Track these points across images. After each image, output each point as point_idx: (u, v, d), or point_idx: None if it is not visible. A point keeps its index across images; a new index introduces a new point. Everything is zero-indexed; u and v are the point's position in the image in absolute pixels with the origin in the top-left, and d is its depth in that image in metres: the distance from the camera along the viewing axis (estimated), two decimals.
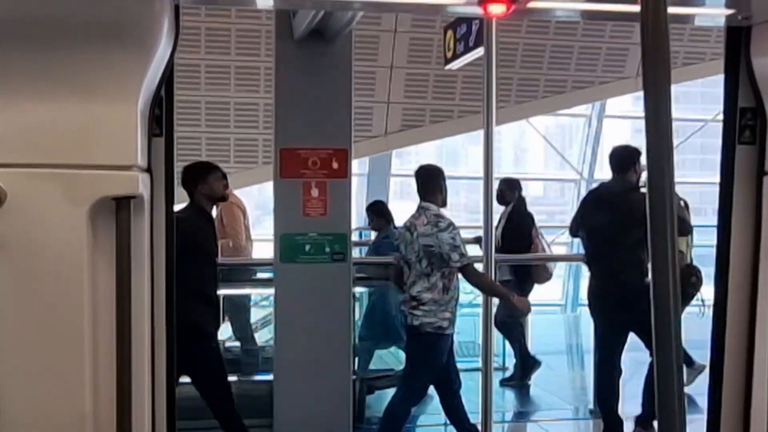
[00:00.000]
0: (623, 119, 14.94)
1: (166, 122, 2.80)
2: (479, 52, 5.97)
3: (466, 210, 17.83)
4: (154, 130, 2.72)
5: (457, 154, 17.73)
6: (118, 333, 2.53)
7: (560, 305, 12.75)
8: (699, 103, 17.60)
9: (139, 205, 2.58)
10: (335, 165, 5.84)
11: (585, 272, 9.00)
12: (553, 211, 18.39)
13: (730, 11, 2.84)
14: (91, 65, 2.49)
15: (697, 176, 14.95)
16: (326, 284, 5.92)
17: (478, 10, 2.67)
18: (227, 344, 8.03)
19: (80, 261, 2.51)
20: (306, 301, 5.91)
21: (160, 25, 2.55)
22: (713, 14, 2.99)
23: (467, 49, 6.23)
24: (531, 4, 2.73)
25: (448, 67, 6.65)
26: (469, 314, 9.09)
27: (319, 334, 5.90)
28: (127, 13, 2.50)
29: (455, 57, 6.41)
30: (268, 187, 6.72)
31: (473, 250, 6.45)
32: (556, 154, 15.09)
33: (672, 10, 2.76)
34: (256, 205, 18.74)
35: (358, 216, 12.55)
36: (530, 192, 19.66)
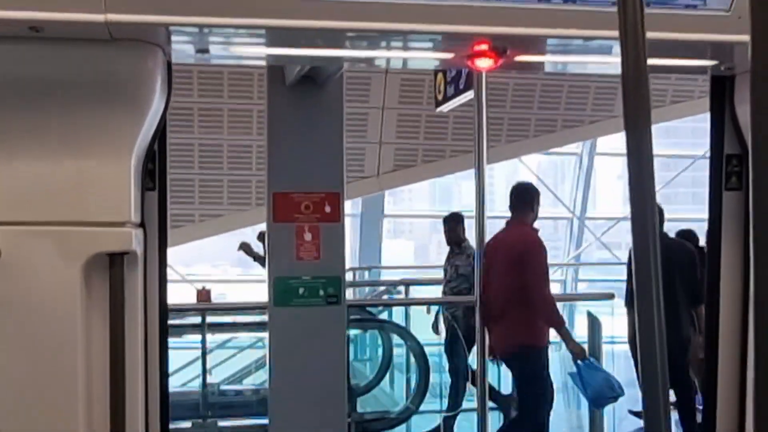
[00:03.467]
0: (614, 156, 15.04)
1: (160, 176, 2.83)
2: (469, 95, 6.03)
3: None
4: (148, 184, 2.75)
5: (450, 191, 17.79)
6: (112, 388, 2.54)
7: (555, 342, 12.72)
8: (689, 137, 17.71)
9: (133, 260, 2.60)
10: (328, 209, 5.86)
11: (580, 310, 9.02)
12: (546, 246, 18.40)
13: (714, 62, 2.90)
14: (84, 123, 2.52)
15: (689, 209, 15.02)
16: (320, 327, 5.91)
17: (466, 65, 2.72)
18: (222, 387, 8.02)
19: (74, 317, 2.52)
20: (300, 345, 5.91)
21: (154, 82, 2.59)
22: (697, 65, 3.04)
23: (457, 92, 6.28)
24: (518, 58, 2.78)
25: (439, 109, 6.71)
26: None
27: (314, 377, 5.88)
28: (121, 70, 2.54)
29: (446, 100, 6.46)
30: (262, 227, 6.75)
31: None
32: (548, 191, 15.17)
33: (657, 61, 2.83)
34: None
35: (351, 257, 12.58)
36: None
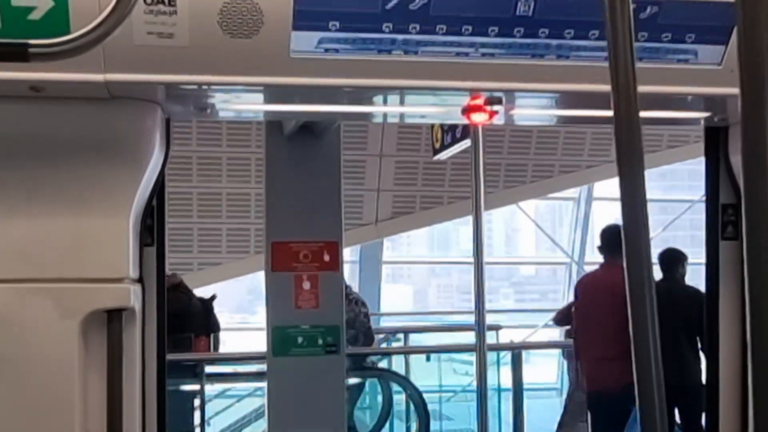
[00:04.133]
0: (611, 201, 15.08)
1: (158, 231, 2.84)
2: (466, 143, 6.07)
3: (458, 291, 17.82)
4: (146, 239, 2.76)
5: (449, 236, 17.79)
6: None
7: (555, 388, 12.64)
8: (686, 180, 17.76)
9: (131, 316, 2.60)
10: (326, 257, 5.87)
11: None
12: (546, 290, 18.39)
13: (707, 114, 2.93)
14: (83, 180, 2.53)
15: (688, 253, 14.98)
16: (319, 377, 5.89)
17: (462, 120, 2.75)
18: None
19: (71, 374, 2.52)
20: (299, 395, 5.88)
21: (153, 139, 2.61)
22: (691, 117, 3.08)
23: (455, 140, 6.33)
24: (513, 112, 2.81)
25: (436, 157, 6.75)
26: (463, 401, 9.05)
27: (313, 428, 5.84)
28: (120, 128, 2.56)
29: (443, 148, 6.51)
30: (260, 272, 6.75)
31: None
32: (546, 236, 15.18)
33: (651, 114, 2.86)
34: (248, 290, 18.73)
35: None
36: (522, 272, 19.73)
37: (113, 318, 2.53)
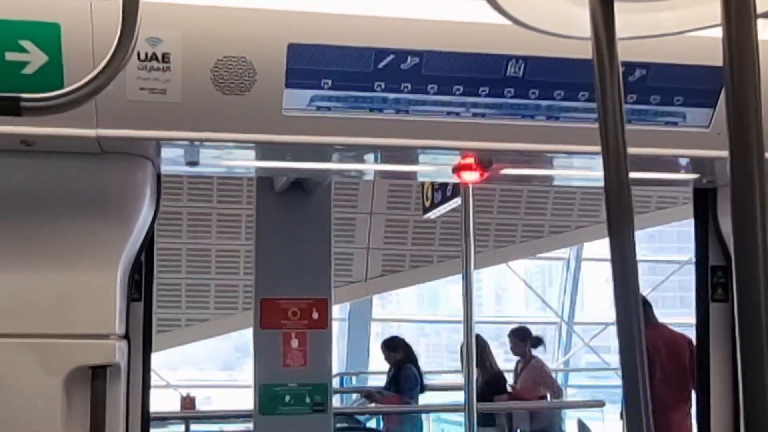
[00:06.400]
0: (601, 261, 15.11)
1: (146, 286, 2.82)
2: (456, 201, 6.09)
3: (448, 350, 17.70)
4: (133, 294, 2.74)
5: (438, 294, 17.75)
6: None
7: None
8: (675, 242, 17.82)
9: (116, 372, 2.57)
10: (315, 315, 5.84)
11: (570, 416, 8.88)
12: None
13: (695, 176, 2.96)
14: (72, 235, 2.52)
15: (677, 313, 15.00)
16: None
17: (452, 178, 2.77)
18: None
19: (54, 430, 2.47)
20: None
21: (143, 194, 2.61)
22: (679, 179, 3.10)
23: (445, 199, 6.36)
24: (503, 171, 2.83)
25: (426, 216, 6.76)
26: None
27: None
28: (110, 183, 2.56)
29: (433, 206, 6.54)
30: (248, 329, 6.70)
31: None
32: (536, 296, 15.15)
33: (641, 174, 2.88)
34: (236, 348, 18.59)
35: (339, 362, 12.44)
36: None
37: (98, 374, 2.50)
